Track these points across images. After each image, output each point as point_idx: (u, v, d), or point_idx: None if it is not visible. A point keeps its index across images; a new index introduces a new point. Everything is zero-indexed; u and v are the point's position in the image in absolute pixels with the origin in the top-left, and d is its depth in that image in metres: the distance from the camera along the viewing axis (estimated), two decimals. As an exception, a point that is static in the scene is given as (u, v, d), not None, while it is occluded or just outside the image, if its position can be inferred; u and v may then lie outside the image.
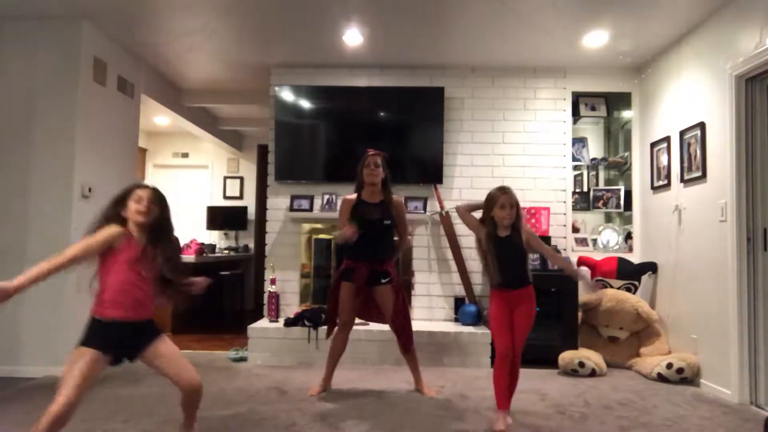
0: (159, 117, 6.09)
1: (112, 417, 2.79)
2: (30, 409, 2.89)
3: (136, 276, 2.15)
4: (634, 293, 4.23)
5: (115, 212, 2.22)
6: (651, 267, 4.29)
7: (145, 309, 2.21)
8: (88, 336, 2.13)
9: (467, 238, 4.55)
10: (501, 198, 2.76)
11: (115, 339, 2.13)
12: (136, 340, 2.19)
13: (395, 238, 3.40)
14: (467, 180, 4.67)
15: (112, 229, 2.15)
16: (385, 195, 3.31)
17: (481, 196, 4.51)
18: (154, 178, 7.43)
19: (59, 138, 3.75)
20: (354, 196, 3.33)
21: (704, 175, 3.58)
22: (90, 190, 3.89)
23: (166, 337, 2.32)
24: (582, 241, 4.67)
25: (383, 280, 3.23)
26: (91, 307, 2.16)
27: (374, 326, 4.01)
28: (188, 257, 5.51)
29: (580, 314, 4.20)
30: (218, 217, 7.06)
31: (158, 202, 2.29)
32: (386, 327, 3.79)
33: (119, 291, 2.12)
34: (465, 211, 2.97)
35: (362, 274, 3.22)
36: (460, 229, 4.59)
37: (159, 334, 2.28)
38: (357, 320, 3.45)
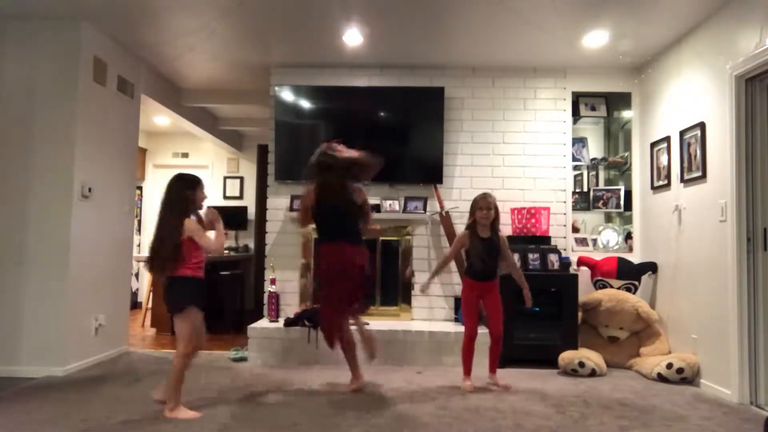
0: (159, 117, 6.09)
1: (112, 417, 2.79)
2: (30, 409, 2.89)
3: None
4: (634, 293, 4.23)
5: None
6: (651, 267, 4.29)
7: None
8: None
9: (467, 238, 4.56)
10: (480, 201, 3.42)
11: None
12: None
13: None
14: (467, 180, 4.67)
15: None
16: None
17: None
18: (154, 178, 7.44)
19: (59, 138, 3.75)
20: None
21: (704, 175, 3.58)
22: (90, 190, 3.89)
23: None
24: (582, 241, 4.67)
25: None
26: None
27: (374, 326, 4.01)
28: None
29: (580, 314, 4.20)
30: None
31: None
32: (386, 327, 3.80)
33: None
34: (451, 256, 3.64)
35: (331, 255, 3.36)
36: (460, 229, 4.58)
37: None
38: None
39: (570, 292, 4.10)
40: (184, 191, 2.86)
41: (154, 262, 2.81)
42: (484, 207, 3.38)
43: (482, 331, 4.21)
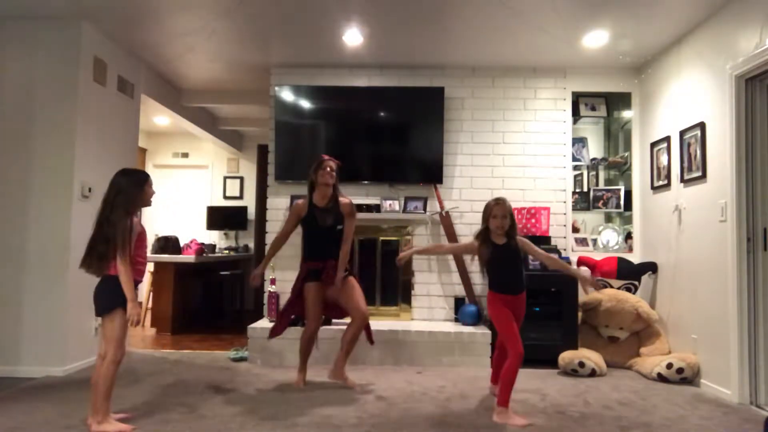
0: (159, 117, 6.09)
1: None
2: (30, 409, 2.89)
3: None
4: (634, 293, 4.23)
5: None
6: (651, 267, 4.29)
7: None
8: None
9: (467, 238, 4.55)
10: (494, 208, 2.98)
11: None
12: None
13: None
14: (467, 180, 4.67)
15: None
16: (334, 200, 3.48)
17: (481, 196, 4.55)
18: (154, 178, 7.42)
19: (59, 138, 3.75)
20: (303, 201, 3.51)
21: (704, 175, 3.58)
22: (90, 190, 3.89)
23: None
24: (582, 241, 4.67)
25: (344, 273, 3.46)
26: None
27: (374, 327, 4.01)
28: (188, 257, 5.52)
29: (580, 314, 4.20)
30: (218, 217, 7.06)
31: None
32: (385, 327, 3.80)
33: None
34: (449, 250, 3.57)
35: (330, 272, 3.45)
36: (460, 229, 4.59)
37: None
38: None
39: (570, 292, 4.09)
40: (133, 188, 2.67)
41: (92, 260, 2.56)
42: (498, 215, 2.94)
43: (483, 331, 4.21)
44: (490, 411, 2.96)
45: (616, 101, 4.86)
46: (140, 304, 2.58)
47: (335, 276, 3.42)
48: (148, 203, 2.80)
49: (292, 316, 3.74)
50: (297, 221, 3.52)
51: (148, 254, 6.19)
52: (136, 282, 2.64)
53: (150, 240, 6.94)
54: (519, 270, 3.00)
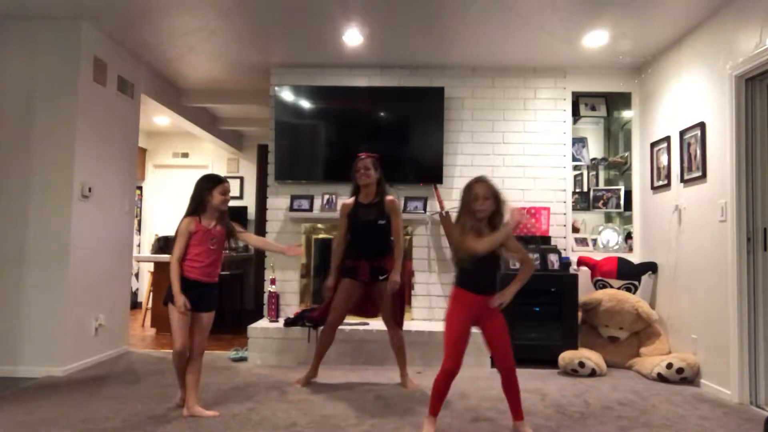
0: (159, 117, 6.09)
1: (112, 417, 2.79)
2: (30, 409, 2.89)
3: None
4: (634, 293, 4.23)
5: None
6: (651, 267, 4.29)
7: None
8: None
9: (467, 238, 4.55)
10: (476, 186, 2.52)
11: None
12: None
13: (391, 237, 3.50)
14: (467, 180, 4.62)
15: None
16: (380, 195, 3.46)
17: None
18: (154, 178, 7.44)
19: (59, 138, 3.75)
20: (352, 199, 3.52)
21: (704, 175, 3.58)
22: (90, 190, 3.89)
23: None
24: (582, 241, 4.67)
25: (380, 277, 3.41)
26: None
27: (374, 326, 4.01)
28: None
29: (580, 314, 4.20)
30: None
31: None
32: (386, 327, 3.78)
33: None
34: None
35: (365, 271, 3.41)
36: (460, 229, 4.59)
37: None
38: (359, 319, 3.52)
39: (570, 292, 4.10)
40: (199, 191, 2.91)
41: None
42: (479, 196, 2.50)
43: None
44: (490, 411, 2.96)
45: (616, 101, 4.86)
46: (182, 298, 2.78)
47: (370, 276, 3.41)
48: (218, 207, 2.92)
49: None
50: (347, 220, 3.48)
51: (149, 254, 6.23)
52: (189, 279, 2.82)
53: (150, 240, 6.95)
54: (492, 267, 2.51)
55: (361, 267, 3.42)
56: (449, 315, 2.64)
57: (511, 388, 2.60)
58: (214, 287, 2.96)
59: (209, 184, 2.90)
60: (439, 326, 4.34)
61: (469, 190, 2.58)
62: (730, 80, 3.30)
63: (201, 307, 2.87)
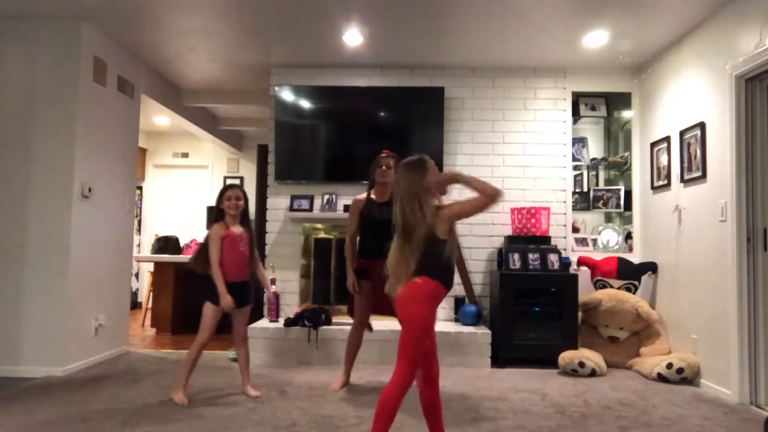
0: (159, 117, 6.09)
1: (112, 417, 2.79)
2: (30, 409, 2.89)
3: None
4: (634, 293, 4.23)
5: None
6: (651, 267, 4.29)
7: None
8: None
9: (467, 238, 4.56)
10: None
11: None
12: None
13: None
14: (467, 180, 4.66)
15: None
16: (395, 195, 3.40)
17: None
18: (154, 178, 7.44)
19: (59, 138, 3.75)
20: (363, 196, 3.45)
21: (704, 175, 3.58)
22: (90, 190, 3.89)
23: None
24: (582, 241, 4.67)
25: None
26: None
27: (374, 326, 4.00)
28: (188, 257, 5.49)
29: (580, 314, 4.20)
30: (218, 217, 7.05)
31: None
32: (386, 327, 3.79)
33: None
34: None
35: (379, 271, 3.33)
36: (460, 229, 4.58)
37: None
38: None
39: (570, 292, 4.09)
40: (217, 200, 3.36)
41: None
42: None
43: (483, 331, 4.20)
44: (490, 411, 2.96)
45: (616, 101, 4.86)
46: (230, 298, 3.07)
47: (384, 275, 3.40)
48: (227, 211, 3.35)
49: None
50: (358, 217, 3.41)
51: (149, 254, 6.23)
52: (229, 281, 3.10)
53: (150, 240, 6.96)
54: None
55: (376, 266, 3.34)
56: (423, 315, 2.33)
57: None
58: (248, 283, 3.27)
59: (220, 192, 3.37)
60: (444, 325, 4.35)
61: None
62: (730, 80, 3.30)
63: (242, 302, 3.19)
